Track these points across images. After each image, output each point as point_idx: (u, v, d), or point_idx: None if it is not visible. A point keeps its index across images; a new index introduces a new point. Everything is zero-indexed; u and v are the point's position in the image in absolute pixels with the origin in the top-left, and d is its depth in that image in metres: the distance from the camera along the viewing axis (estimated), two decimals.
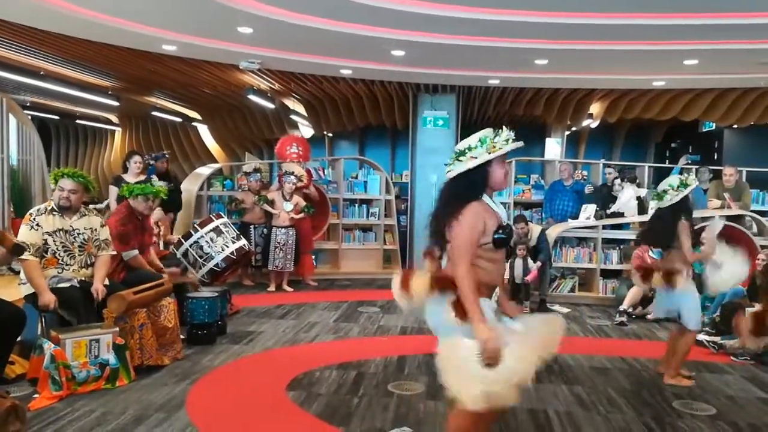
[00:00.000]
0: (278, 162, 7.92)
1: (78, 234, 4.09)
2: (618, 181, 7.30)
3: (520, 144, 2.45)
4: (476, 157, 2.37)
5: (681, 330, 4.22)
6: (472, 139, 2.43)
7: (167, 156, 7.38)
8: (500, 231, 2.38)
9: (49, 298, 3.82)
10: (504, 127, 2.47)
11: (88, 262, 4.14)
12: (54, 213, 4.04)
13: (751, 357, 4.74)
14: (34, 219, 3.95)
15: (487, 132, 2.45)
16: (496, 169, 2.42)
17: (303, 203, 7.30)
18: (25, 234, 3.90)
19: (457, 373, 2.30)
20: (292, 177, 7.15)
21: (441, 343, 2.40)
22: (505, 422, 3.39)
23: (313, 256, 8.06)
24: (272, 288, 7.12)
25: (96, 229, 4.21)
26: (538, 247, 6.60)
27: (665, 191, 4.18)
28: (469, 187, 2.41)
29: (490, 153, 2.37)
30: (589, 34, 5.74)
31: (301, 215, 7.23)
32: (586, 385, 4.08)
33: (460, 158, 2.42)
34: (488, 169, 2.40)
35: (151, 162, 6.96)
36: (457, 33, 5.80)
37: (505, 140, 2.40)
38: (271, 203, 7.17)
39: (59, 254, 4.00)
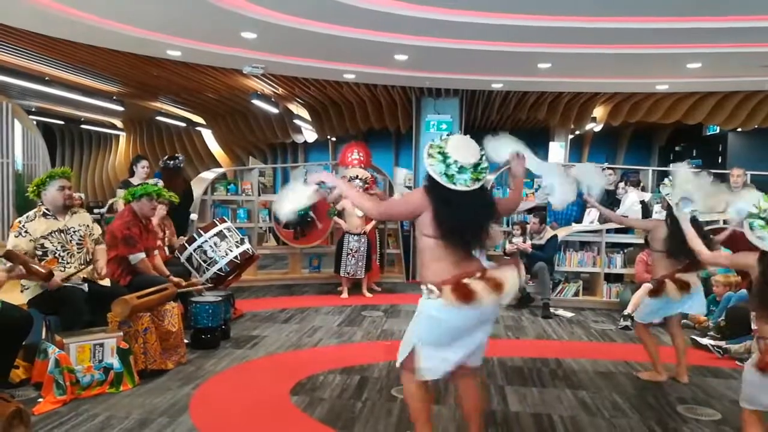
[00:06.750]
0: (341, 168, 8.14)
1: (74, 232, 4.19)
2: (621, 184, 7.27)
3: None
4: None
5: (677, 325, 4.36)
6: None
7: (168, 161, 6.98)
8: None
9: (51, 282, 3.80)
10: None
11: (87, 260, 4.23)
12: (47, 216, 4.10)
13: None
14: (23, 226, 4.01)
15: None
16: None
17: None
18: (12, 241, 3.97)
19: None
20: (358, 181, 7.17)
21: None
22: (509, 427, 3.39)
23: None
24: (345, 294, 7.09)
25: (89, 225, 4.34)
26: (544, 248, 6.63)
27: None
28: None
29: None
30: (592, 37, 5.74)
31: (373, 223, 7.27)
32: (590, 390, 4.07)
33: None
34: None
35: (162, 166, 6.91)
36: (460, 37, 5.81)
37: None
38: (340, 213, 7.17)
39: (59, 254, 4.07)
